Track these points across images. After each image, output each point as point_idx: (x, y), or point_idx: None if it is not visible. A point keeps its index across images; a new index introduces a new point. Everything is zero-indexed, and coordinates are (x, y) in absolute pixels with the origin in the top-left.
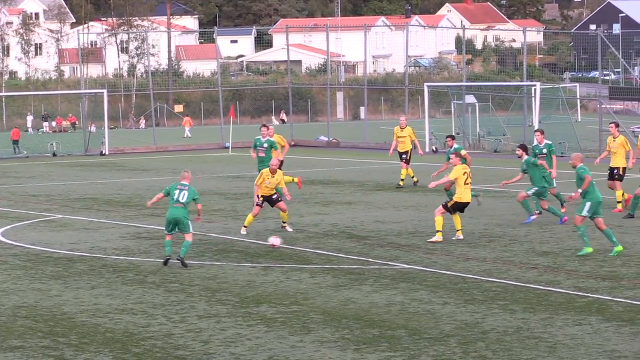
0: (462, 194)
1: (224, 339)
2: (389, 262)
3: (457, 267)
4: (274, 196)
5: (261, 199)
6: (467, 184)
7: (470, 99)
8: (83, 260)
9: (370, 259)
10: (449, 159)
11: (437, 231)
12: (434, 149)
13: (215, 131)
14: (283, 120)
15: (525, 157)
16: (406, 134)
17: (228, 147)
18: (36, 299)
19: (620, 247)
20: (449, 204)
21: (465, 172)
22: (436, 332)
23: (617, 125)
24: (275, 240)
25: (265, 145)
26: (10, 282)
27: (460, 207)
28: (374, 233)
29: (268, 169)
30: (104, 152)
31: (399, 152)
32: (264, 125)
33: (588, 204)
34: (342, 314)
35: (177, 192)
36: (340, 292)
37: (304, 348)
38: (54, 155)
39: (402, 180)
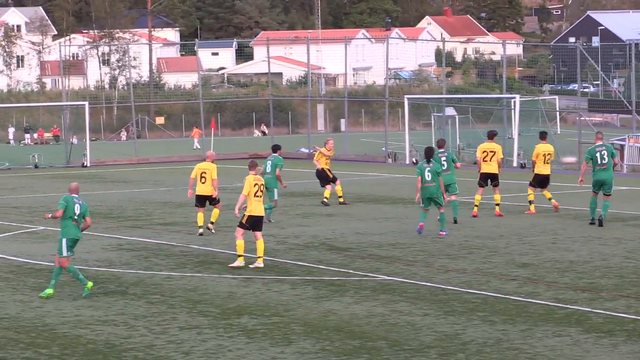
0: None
1: (205, 350)
2: (370, 274)
3: (437, 278)
4: None
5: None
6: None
7: (451, 111)
8: (65, 272)
9: (351, 271)
10: None
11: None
12: (414, 161)
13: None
14: (264, 133)
15: None
16: None
17: None
18: (18, 311)
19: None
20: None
21: (256, 184)
22: (416, 344)
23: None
24: None
25: None
26: None
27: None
28: (355, 245)
29: None
30: (85, 164)
31: None
32: None
33: None
34: (323, 326)
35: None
36: (321, 304)
37: (285, 359)
38: (36, 167)
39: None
